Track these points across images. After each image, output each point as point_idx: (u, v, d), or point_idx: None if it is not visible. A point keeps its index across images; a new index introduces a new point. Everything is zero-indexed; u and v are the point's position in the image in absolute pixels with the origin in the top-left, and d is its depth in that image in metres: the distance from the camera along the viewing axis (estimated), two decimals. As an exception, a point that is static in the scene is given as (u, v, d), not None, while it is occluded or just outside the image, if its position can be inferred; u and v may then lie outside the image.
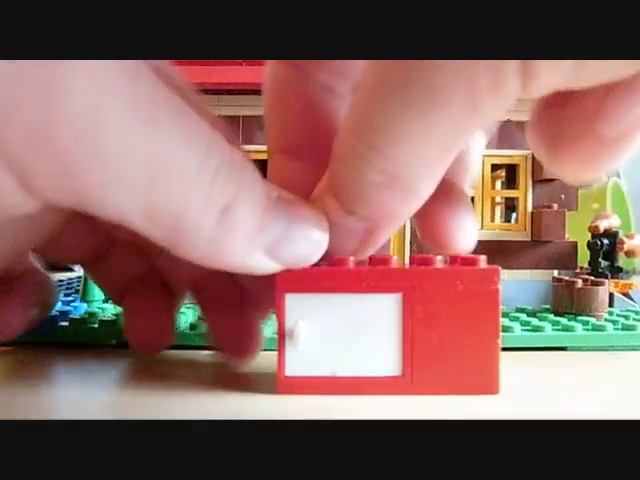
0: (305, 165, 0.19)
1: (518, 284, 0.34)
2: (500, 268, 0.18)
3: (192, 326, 0.28)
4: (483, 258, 0.18)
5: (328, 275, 0.18)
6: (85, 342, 0.27)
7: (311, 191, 0.18)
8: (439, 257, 0.18)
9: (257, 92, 0.36)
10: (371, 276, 0.18)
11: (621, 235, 0.40)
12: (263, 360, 0.24)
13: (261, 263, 0.16)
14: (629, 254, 0.40)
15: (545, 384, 0.21)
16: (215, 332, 0.23)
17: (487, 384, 0.18)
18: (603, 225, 0.40)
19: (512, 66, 0.13)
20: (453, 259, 0.18)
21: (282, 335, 0.18)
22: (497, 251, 0.33)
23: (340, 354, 0.18)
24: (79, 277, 0.44)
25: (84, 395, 0.20)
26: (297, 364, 0.18)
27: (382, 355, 0.18)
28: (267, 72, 0.19)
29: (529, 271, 0.35)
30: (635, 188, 0.83)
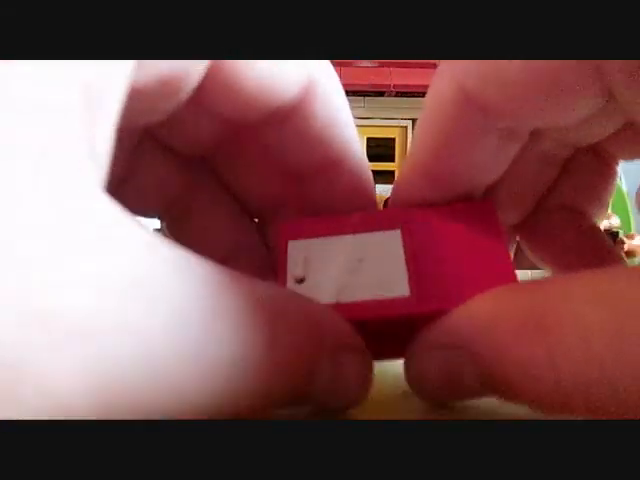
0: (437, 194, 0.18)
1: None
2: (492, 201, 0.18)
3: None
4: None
5: (328, 222, 0.18)
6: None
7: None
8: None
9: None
10: (368, 219, 0.18)
11: (621, 235, 0.40)
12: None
13: None
14: (629, 254, 0.40)
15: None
16: None
17: (503, 276, 0.17)
18: (603, 225, 0.40)
19: None
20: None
21: (283, 263, 0.18)
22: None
23: (342, 283, 0.17)
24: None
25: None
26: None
27: (387, 280, 0.17)
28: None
29: (529, 271, 0.35)
30: (635, 188, 0.83)
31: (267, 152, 0.19)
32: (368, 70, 0.32)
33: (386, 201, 0.35)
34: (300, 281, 0.18)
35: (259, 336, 0.12)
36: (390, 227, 0.18)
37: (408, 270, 0.17)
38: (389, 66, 0.33)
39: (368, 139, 0.35)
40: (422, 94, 0.34)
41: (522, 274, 0.18)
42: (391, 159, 0.35)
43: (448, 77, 0.16)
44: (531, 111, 0.16)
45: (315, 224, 0.18)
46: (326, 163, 0.18)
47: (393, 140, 0.35)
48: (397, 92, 0.33)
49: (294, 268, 0.18)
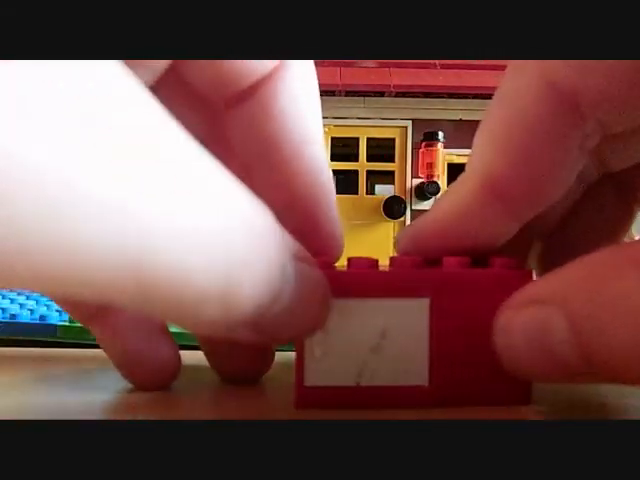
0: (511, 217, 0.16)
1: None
2: (533, 271, 0.17)
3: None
4: (513, 260, 0.17)
5: (350, 278, 0.17)
6: (85, 342, 0.27)
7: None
8: (466, 258, 0.17)
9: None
10: (397, 280, 0.17)
11: (621, 235, 0.40)
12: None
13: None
14: (629, 254, 0.40)
15: (545, 384, 0.21)
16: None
17: (519, 394, 0.17)
18: (603, 225, 0.40)
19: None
20: (481, 260, 0.17)
21: (301, 343, 0.17)
22: (497, 251, 0.33)
23: (363, 362, 0.17)
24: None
25: (84, 395, 0.20)
26: (317, 373, 0.17)
27: (409, 363, 0.17)
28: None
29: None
30: (635, 188, 0.83)
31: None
32: (368, 70, 0.32)
33: (386, 201, 0.35)
34: (321, 355, 0.17)
35: (242, 213, 0.12)
36: (418, 294, 0.17)
37: (430, 355, 0.17)
38: (389, 66, 0.33)
39: (368, 139, 0.35)
40: (422, 94, 0.34)
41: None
42: (391, 159, 0.35)
43: (531, 74, 0.15)
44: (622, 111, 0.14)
45: (336, 279, 0.16)
46: (276, 157, 0.17)
47: (393, 140, 0.35)
48: (397, 92, 0.33)
49: (315, 344, 0.17)
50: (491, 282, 0.17)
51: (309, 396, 0.17)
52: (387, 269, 0.17)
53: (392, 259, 0.18)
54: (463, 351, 0.17)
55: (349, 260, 0.17)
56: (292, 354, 0.17)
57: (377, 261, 0.17)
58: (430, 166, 0.34)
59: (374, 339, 0.17)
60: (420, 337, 0.17)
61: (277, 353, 0.25)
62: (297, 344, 0.17)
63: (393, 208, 0.35)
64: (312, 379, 0.17)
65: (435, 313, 0.17)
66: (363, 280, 0.17)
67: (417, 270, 0.17)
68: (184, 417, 0.17)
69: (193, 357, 0.26)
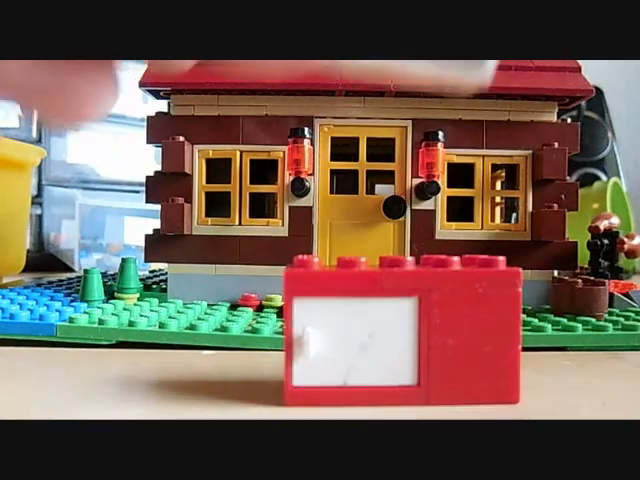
0: None
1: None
2: (521, 270, 0.17)
3: (192, 326, 0.28)
4: (502, 259, 0.17)
5: (340, 278, 0.17)
6: (85, 342, 0.27)
7: None
8: (455, 258, 0.17)
9: (257, 92, 0.36)
10: (385, 279, 0.17)
11: (621, 235, 0.40)
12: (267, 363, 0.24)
13: None
14: (629, 254, 0.40)
15: (545, 384, 0.21)
16: None
17: (507, 393, 0.17)
18: (603, 225, 0.40)
19: None
20: (469, 260, 0.18)
21: (290, 342, 0.17)
22: (497, 251, 0.33)
23: (352, 362, 0.17)
24: (79, 277, 0.44)
25: (84, 395, 0.20)
26: (306, 373, 0.17)
27: (396, 363, 0.17)
28: None
29: (529, 271, 0.35)
30: (635, 188, 0.83)
31: None
32: (368, 70, 0.32)
33: (386, 201, 0.35)
34: (311, 358, 0.17)
35: None
36: (407, 293, 0.17)
37: (418, 354, 0.17)
38: (389, 66, 0.32)
39: (368, 139, 0.35)
40: (422, 94, 0.34)
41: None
42: (391, 159, 0.35)
43: None
44: None
45: (323, 278, 0.17)
46: None
47: (393, 140, 0.35)
48: (397, 92, 0.33)
49: (304, 346, 0.17)
50: (479, 281, 0.17)
51: (298, 395, 0.17)
52: (376, 269, 0.17)
53: (382, 259, 0.18)
54: (452, 350, 0.17)
55: (338, 260, 0.17)
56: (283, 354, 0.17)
57: (366, 261, 0.18)
58: (430, 166, 0.34)
59: (362, 339, 0.17)
60: (408, 336, 0.17)
61: (272, 353, 0.25)
62: (287, 345, 0.17)
63: (393, 208, 0.35)
64: (301, 379, 0.17)
65: (423, 312, 0.17)
66: (351, 279, 0.17)
67: (405, 269, 0.17)
68: (177, 416, 0.17)
69: (186, 357, 0.26)
